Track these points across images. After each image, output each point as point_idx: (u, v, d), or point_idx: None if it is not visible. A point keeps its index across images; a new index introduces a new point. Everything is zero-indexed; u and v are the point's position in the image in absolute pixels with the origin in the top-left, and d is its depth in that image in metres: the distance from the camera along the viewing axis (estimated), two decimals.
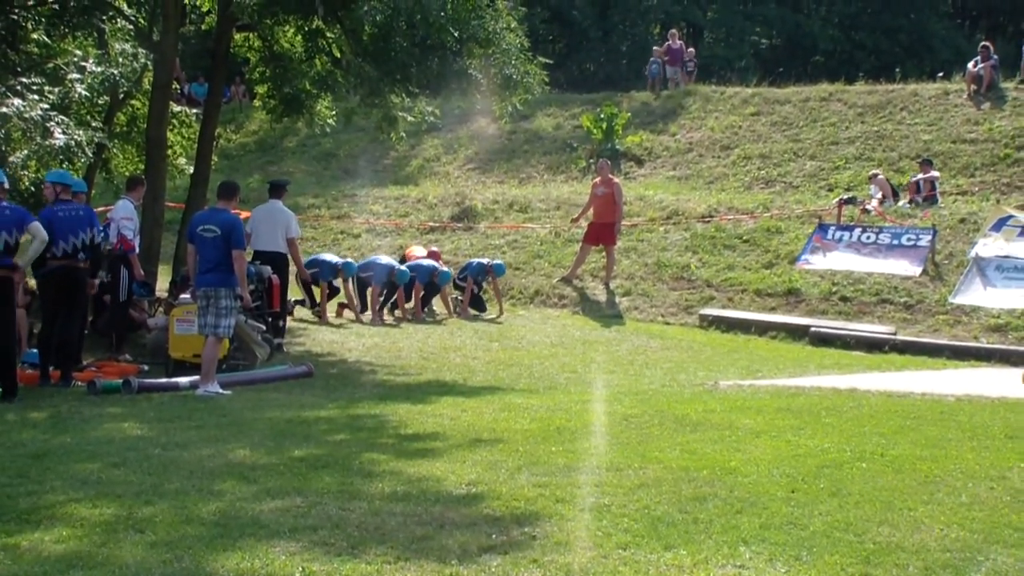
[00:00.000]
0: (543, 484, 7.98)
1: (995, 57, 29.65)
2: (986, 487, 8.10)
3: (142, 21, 19.65)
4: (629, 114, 31.30)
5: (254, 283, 15.42)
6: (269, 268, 16.40)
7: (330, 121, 20.77)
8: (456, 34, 16.71)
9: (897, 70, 32.85)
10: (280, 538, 6.60)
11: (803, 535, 6.83)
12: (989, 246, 21.57)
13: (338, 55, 18.88)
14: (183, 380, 13.18)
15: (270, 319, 16.07)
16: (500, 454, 9.03)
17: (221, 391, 12.69)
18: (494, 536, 6.71)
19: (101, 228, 14.84)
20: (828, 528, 6.98)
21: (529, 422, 10.65)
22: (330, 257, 20.20)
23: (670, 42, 35.38)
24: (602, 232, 22.39)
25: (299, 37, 19.19)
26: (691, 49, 36.21)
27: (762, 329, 20.12)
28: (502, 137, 32.45)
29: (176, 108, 21.19)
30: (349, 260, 20.32)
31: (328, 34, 18.66)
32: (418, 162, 32.19)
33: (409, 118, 19.97)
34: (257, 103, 24.35)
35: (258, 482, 8.02)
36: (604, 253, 22.78)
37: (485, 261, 21.70)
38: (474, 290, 21.29)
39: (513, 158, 31.50)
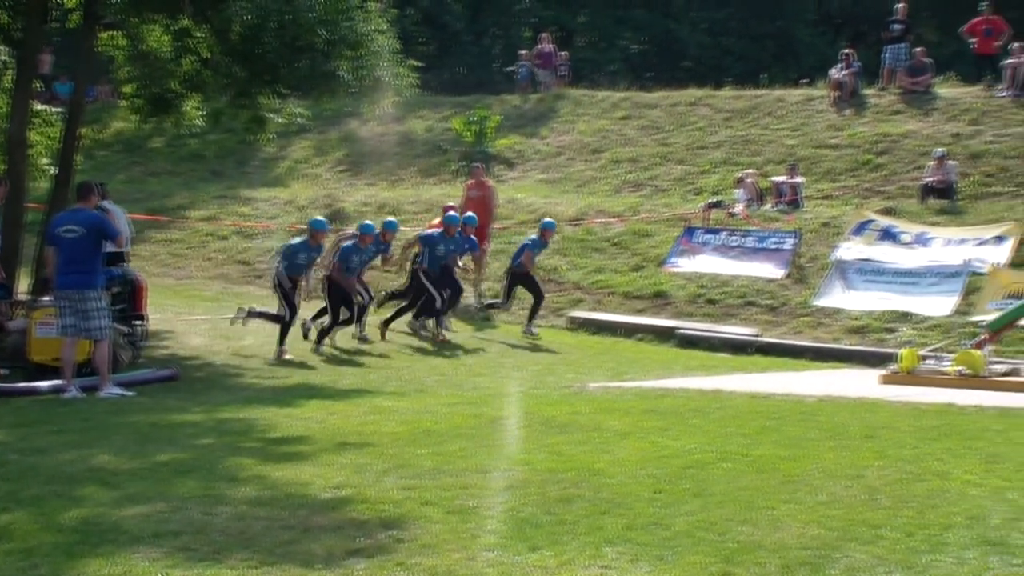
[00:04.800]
0: (410, 487, 7.98)
1: (857, 64, 30.31)
2: (844, 486, 8.29)
3: (6, 18, 19.18)
4: (500, 117, 31.37)
5: (119, 285, 15.16)
6: (135, 270, 16.11)
7: (198, 121, 20.47)
8: (326, 35, 16.58)
9: (764, 76, 33.38)
10: (142, 544, 6.50)
11: (666, 535, 6.92)
12: (850, 250, 22.08)
13: (207, 55, 18.62)
14: (43, 384, 12.91)
15: (136, 323, 15.79)
16: (367, 457, 9.01)
17: (125, 392, 12.57)
18: (360, 540, 6.69)
19: None
20: (691, 528, 7.08)
21: (397, 425, 10.64)
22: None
23: (541, 45, 35.55)
24: (478, 234, 22.35)
25: (166, 36, 18.89)
26: (564, 53, 36.41)
27: (630, 331, 20.33)
28: (373, 139, 32.30)
29: (39, 107, 20.70)
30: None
31: (196, 34, 18.38)
32: (288, 164, 31.87)
33: (278, 119, 19.77)
34: (123, 103, 23.93)
35: (120, 487, 7.89)
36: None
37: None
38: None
39: (384, 160, 31.37)
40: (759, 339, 19.59)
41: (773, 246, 22.76)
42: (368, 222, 19.46)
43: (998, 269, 20.54)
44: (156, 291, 18.08)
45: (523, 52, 36.28)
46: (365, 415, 11.23)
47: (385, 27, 17.84)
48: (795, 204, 25.01)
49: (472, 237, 20.30)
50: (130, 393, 12.63)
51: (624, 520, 7.23)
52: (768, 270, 22.17)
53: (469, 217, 20.32)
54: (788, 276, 21.92)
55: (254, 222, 26.36)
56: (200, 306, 20.18)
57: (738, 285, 21.61)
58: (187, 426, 10.63)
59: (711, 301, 21.43)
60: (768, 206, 25.34)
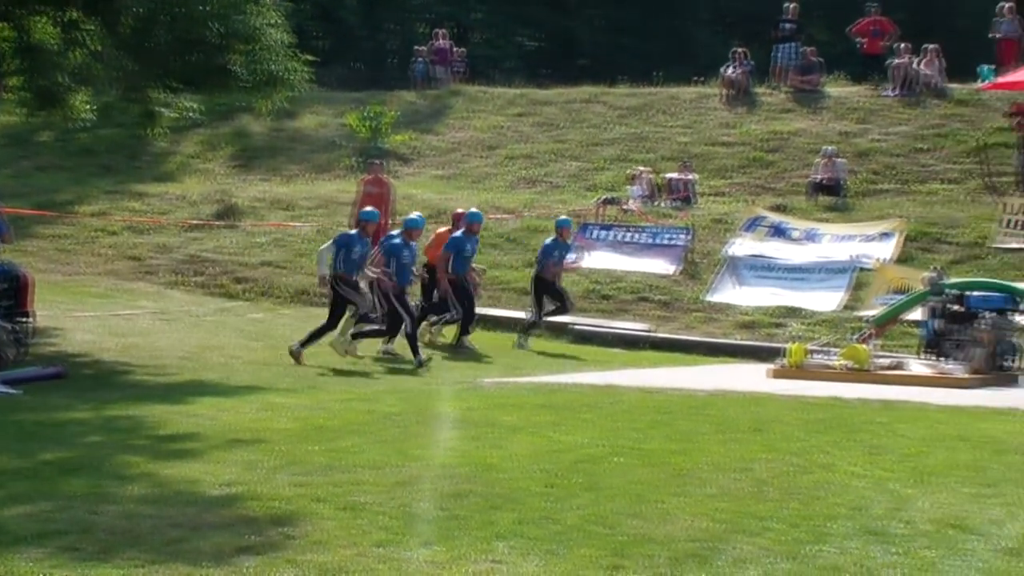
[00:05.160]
0: (302, 484, 7.94)
1: (749, 63, 30.71)
2: (732, 478, 8.40)
3: None
4: (396, 113, 31.26)
5: (3, 281, 14.85)
6: (20, 266, 15.79)
7: (87, 115, 20.15)
8: (218, 29, 16.40)
9: (658, 74, 33.64)
10: (25, 544, 6.39)
11: (558, 529, 6.97)
12: (742, 246, 22.39)
13: (96, 48, 18.32)
14: None
15: (22, 319, 15.47)
16: (259, 454, 8.95)
17: (10, 391, 12.33)
18: (250, 537, 6.64)
19: None
20: (582, 522, 7.13)
21: (289, 421, 10.58)
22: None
23: (437, 42, 35.48)
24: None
25: (55, 28, 18.55)
26: (460, 49, 36.37)
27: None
28: (266, 134, 32.02)
29: None
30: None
31: (85, 26, 18.07)
32: (180, 158, 31.44)
33: (170, 114, 19.54)
34: (9, 96, 23.47)
35: (3, 487, 7.75)
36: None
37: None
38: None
39: (277, 156, 31.13)
40: (652, 334, 19.78)
41: (666, 242, 22.99)
42: (414, 216, 18.68)
43: (884, 265, 20.97)
44: (43, 287, 17.73)
45: (419, 48, 36.19)
46: (257, 412, 11.15)
47: (279, 21, 17.68)
48: (688, 201, 25.27)
49: (476, 236, 19.35)
50: (16, 391, 12.38)
51: (516, 515, 7.26)
52: (661, 266, 22.39)
53: (474, 214, 19.42)
54: (681, 272, 22.16)
55: (146, 217, 26.00)
56: (89, 303, 19.87)
57: (631, 281, 21.80)
58: (74, 424, 10.47)
59: (605, 297, 21.59)
60: (661, 203, 25.57)
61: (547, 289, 19.32)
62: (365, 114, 30.55)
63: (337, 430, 10.19)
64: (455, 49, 35.93)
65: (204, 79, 18.05)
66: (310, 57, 19.79)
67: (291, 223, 25.15)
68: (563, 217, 20.81)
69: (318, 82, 23.07)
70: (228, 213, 26.03)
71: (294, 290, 22.20)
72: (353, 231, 17.23)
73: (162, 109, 19.01)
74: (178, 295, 22.03)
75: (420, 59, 35.00)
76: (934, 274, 17.08)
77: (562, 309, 19.40)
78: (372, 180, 22.64)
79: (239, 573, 6.03)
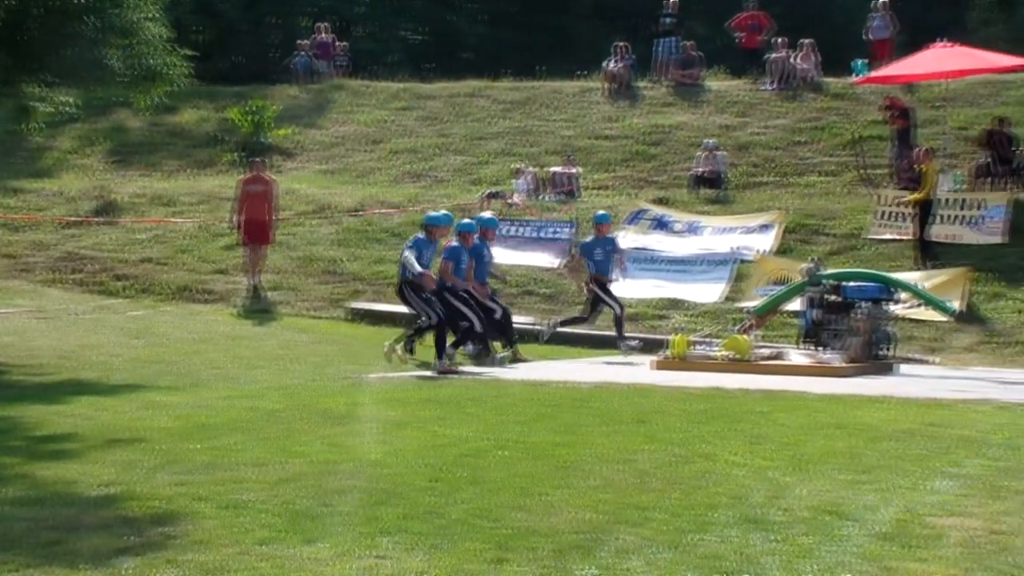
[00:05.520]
0: (182, 482, 7.85)
1: (631, 57, 30.96)
2: (615, 470, 8.47)
3: None
4: (278, 107, 31.00)
5: None
6: None
7: None
8: (94, 23, 16.11)
9: (541, 68, 33.76)
10: None
11: (442, 523, 6.97)
12: (625, 238, 22.52)
13: None
14: None
15: None
16: (138, 453, 8.83)
17: None
18: (129, 538, 6.56)
19: None
20: (466, 515, 7.15)
21: (170, 420, 10.46)
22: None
23: (319, 36, 35.22)
24: (260, 230, 21.86)
25: None
26: (342, 43, 36.13)
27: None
28: (145, 129, 31.53)
29: None
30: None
31: None
32: (56, 154, 30.82)
33: (45, 108, 19.13)
34: None
35: None
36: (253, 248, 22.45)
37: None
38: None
39: (157, 151, 30.67)
40: (537, 327, 19.82)
41: (550, 236, 23.10)
42: (467, 221, 17.68)
43: (763, 257, 21.30)
44: None
45: (301, 42, 35.88)
46: (137, 411, 11.00)
47: (157, 15, 17.43)
48: (572, 194, 25.41)
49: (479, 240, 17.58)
50: None
51: (400, 510, 7.25)
52: (546, 259, 22.47)
53: (489, 220, 18.28)
54: (565, 265, 22.22)
55: (21, 214, 25.46)
56: None
57: (516, 275, 21.83)
58: None
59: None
60: (546, 196, 25.68)
61: (603, 289, 18.51)
62: (247, 108, 30.22)
63: (219, 428, 10.10)
64: (337, 43, 35.70)
65: (80, 73, 17.71)
66: (189, 52, 19.54)
67: (172, 219, 24.80)
68: (601, 212, 20.08)
69: (198, 76, 22.80)
70: (107, 209, 25.59)
71: (176, 287, 21.89)
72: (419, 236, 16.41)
73: (37, 104, 18.60)
74: (56, 293, 21.61)
75: (302, 53, 34.71)
76: (812, 265, 17.37)
77: (582, 320, 18.81)
78: (253, 178, 22.30)
79: (118, 575, 5.94)
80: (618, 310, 18.34)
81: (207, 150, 30.42)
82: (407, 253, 15.84)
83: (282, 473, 8.20)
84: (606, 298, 18.41)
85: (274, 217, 22.12)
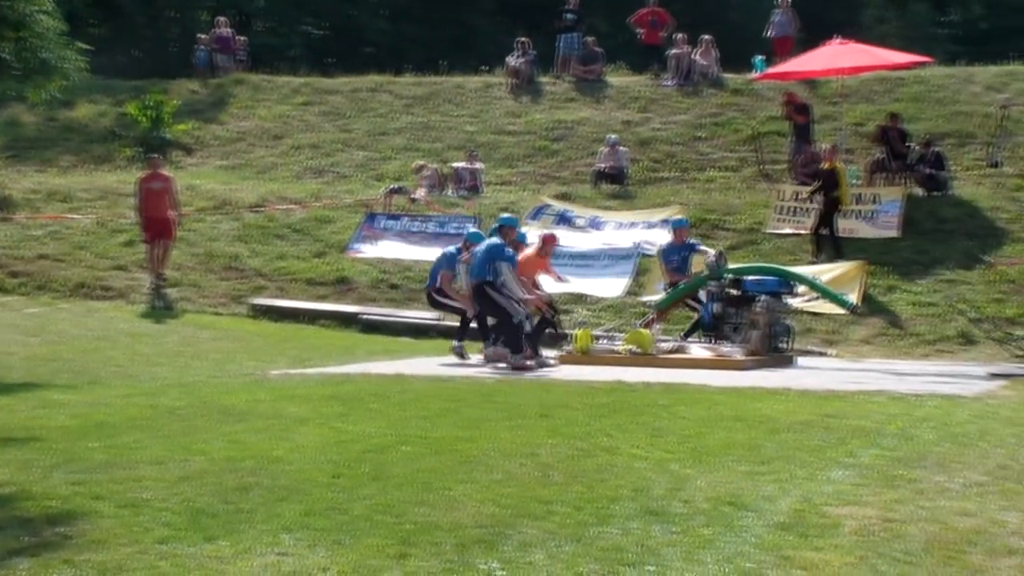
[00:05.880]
0: (80, 482, 7.73)
1: (532, 52, 31.05)
2: (519, 464, 8.50)
3: None
4: (177, 102, 30.65)
5: None
6: None
7: None
8: None
9: (443, 63, 33.74)
10: None
11: (345, 519, 6.95)
12: (528, 234, 22.59)
13: None
14: None
15: None
16: (34, 453, 8.68)
17: None
18: (24, 538, 6.45)
19: None
20: (369, 511, 7.13)
21: (67, 418, 10.29)
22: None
23: (219, 30, 34.85)
24: (162, 226, 21.51)
25: None
26: (242, 37, 35.79)
27: (313, 317, 20.29)
28: (40, 124, 31.00)
29: None
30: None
31: None
32: None
33: None
34: None
35: None
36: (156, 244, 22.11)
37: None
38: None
39: (53, 146, 30.16)
40: (441, 323, 19.85)
41: (454, 231, 23.07)
42: (475, 231, 18.27)
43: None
44: None
45: (201, 36, 35.49)
46: (33, 409, 10.82)
47: (50, 7, 17.13)
48: (475, 190, 25.45)
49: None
50: None
51: (302, 506, 7.21)
52: None
53: (508, 219, 17.77)
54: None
55: None
56: None
57: (420, 270, 21.79)
58: None
59: (393, 286, 21.60)
60: (449, 192, 25.70)
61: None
62: (145, 103, 29.82)
63: (117, 426, 9.96)
64: (238, 37, 35.36)
65: None
66: (85, 45, 19.26)
67: (69, 215, 24.41)
68: (677, 217, 19.58)
69: (95, 71, 22.49)
70: (1, 205, 25.11)
71: (73, 284, 21.54)
72: (499, 240, 16.28)
73: None
74: None
75: (202, 47, 34.33)
76: (712, 259, 17.53)
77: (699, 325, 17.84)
78: (151, 176, 21.89)
79: None
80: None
81: (105, 145, 29.98)
82: (505, 270, 15.76)
83: (182, 471, 8.12)
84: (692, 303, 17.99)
85: (176, 213, 21.83)
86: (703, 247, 18.35)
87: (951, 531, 6.74)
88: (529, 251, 17.36)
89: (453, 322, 19.77)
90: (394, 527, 6.80)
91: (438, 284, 17.32)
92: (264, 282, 21.83)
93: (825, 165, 21.40)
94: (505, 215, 18.38)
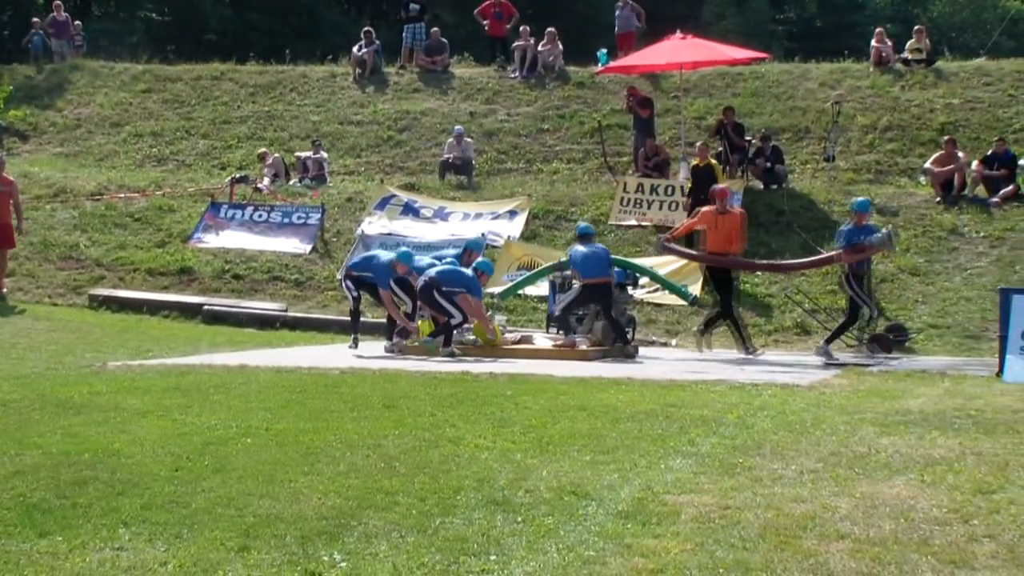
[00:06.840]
0: None
1: (377, 42, 30.90)
2: (363, 455, 8.47)
3: None
4: (11, 88, 29.83)
5: None
6: None
7: None
8: None
9: (288, 52, 33.40)
10: None
11: (185, 513, 6.85)
12: (374, 224, 22.59)
13: None
14: None
15: None
16: None
17: None
18: None
19: None
20: (210, 504, 7.04)
21: None
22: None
23: (55, 14, 33.97)
24: (3, 233, 20.48)
25: None
26: (78, 22, 34.95)
27: (155, 308, 19.96)
28: None
29: None
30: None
31: None
32: None
33: None
34: None
35: None
36: None
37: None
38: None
39: None
40: (286, 314, 19.71)
41: (299, 221, 22.95)
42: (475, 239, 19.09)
43: (510, 242, 21.59)
44: None
45: (36, 20, 34.54)
46: None
47: None
48: (320, 179, 25.27)
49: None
50: None
51: (141, 500, 7.09)
52: (294, 245, 22.33)
53: (474, 242, 18.42)
54: (314, 250, 22.15)
55: None
56: None
57: (264, 260, 21.62)
58: None
59: (238, 276, 21.35)
60: (294, 181, 25.48)
61: (859, 285, 16.55)
62: None
63: None
64: (74, 22, 34.51)
65: None
66: None
67: None
68: (860, 199, 17.51)
69: None
70: None
71: None
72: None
73: None
74: None
75: (37, 32, 33.42)
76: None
77: (848, 324, 17.10)
78: None
79: None
80: (874, 312, 17.25)
81: None
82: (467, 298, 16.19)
83: (15, 465, 7.91)
84: (861, 295, 16.63)
85: (18, 219, 20.75)
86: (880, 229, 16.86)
87: (785, 517, 6.90)
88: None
89: (299, 313, 19.68)
90: (236, 520, 6.72)
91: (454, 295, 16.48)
92: (104, 272, 21.40)
93: (696, 162, 21.48)
94: (472, 238, 18.99)
